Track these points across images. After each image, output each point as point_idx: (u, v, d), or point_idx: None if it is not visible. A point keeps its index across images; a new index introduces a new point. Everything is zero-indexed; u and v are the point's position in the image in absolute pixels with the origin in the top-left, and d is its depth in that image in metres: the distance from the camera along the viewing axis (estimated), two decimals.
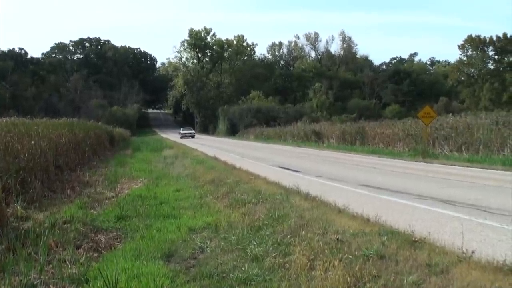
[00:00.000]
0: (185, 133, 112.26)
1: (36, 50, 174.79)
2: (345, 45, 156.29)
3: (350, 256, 8.73)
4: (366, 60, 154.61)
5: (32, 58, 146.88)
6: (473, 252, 8.64)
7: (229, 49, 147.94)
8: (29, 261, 9.77)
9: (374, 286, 7.36)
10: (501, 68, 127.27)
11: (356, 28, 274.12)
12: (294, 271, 8.55)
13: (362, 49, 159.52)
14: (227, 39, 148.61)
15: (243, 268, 8.93)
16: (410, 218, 12.22)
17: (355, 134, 51.78)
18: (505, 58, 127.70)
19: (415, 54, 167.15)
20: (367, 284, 7.45)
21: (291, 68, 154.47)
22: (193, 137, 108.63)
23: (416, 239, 9.76)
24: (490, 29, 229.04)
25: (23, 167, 17.65)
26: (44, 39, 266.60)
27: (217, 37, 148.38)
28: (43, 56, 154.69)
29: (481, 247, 9.08)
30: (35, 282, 8.62)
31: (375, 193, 18.11)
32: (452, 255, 8.56)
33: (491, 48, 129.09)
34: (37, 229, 12.24)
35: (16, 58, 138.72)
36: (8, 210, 13.07)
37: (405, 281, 7.45)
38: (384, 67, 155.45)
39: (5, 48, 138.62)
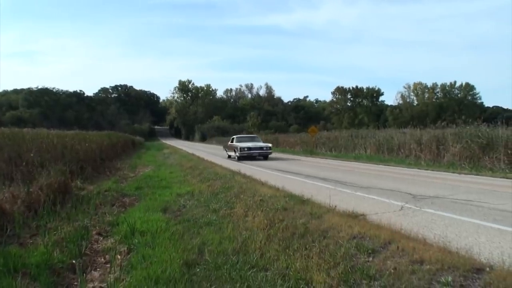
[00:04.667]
0: (249, 149, 28.88)
1: (89, 91, 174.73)
2: (268, 90, 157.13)
3: (268, 209, 8.80)
4: (279, 99, 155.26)
5: (87, 96, 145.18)
6: (335, 206, 8.79)
7: (202, 92, 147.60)
8: (84, 213, 9.79)
9: (280, 225, 7.43)
10: (354, 105, 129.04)
11: (275, 80, 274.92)
12: (236, 217, 8.60)
13: (277, 93, 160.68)
14: (200, 86, 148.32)
15: (207, 216, 8.96)
16: (301, 188, 12.30)
17: (273, 141, 52.26)
18: (356, 100, 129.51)
19: (307, 96, 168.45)
20: (277, 224, 7.52)
21: (237, 103, 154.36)
22: (265, 157, 29.03)
23: (304, 199, 9.88)
24: (349, 82, 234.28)
25: (81, 159, 17.64)
26: (95, 84, 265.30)
27: (194, 85, 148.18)
28: (93, 94, 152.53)
29: (340, 204, 9.20)
30: (87, 225, 8.63)
31: (282, 174, 18.20)
32: (324, 208, 8.69)
33: (349, 94, 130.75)
34: (89, 195, 12.34)
35: (78, 96, 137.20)
36: (72, 184, 12.99)
37: (297, 222, 7.54)
38: (289, 103, 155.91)
39: (71, 90, 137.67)
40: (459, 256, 5.35)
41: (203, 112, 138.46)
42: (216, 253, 6.26)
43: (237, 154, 28.75)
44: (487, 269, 4.88)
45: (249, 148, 28.65)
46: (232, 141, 31.79)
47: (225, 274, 5.42)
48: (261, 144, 30.12)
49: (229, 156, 31.45)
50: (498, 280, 4.46)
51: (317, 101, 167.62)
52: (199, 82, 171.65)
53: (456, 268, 4.88)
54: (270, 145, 30.18)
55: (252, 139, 32.05)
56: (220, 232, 7.57)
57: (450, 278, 4.64)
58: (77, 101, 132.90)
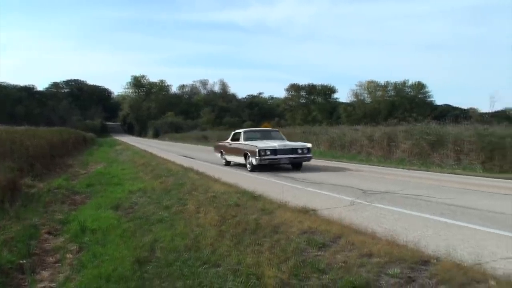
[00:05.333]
0: (275, 151, 17.32)
1: (40, 85, 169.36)
2: (222, 86, 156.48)
3: (220, 205, 8.84)
4: (234, 95, 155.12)
5: (38, 90, 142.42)
6: (287, 202, 8.91)
7: (155, 87, 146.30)
8: (33, 212, 9.62)
9: (232, 221, 7.47)
10: (307, 102, 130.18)
11: (230, 76, 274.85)
12: (188, 214, 8.58)
13: (232, 89, 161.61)
14: (154, 82, 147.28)
15: (159, 213, 8.92)
16: (254, 184, 12.38)
17: (226, 137, 52.21)
18: (310, 97, 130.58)
19: (262, 92, 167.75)
20: (229, 220, 7.55)
21: (191, 99, 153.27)
22: (299, 166, 18.34)
23: (257, 195, 9.96)
24: (304, 79, 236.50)
25: (31, 156, 17.23)
26: (46, 79, 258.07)
27: (148, 80, 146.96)
28: (45, 89, 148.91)
29: (292, 199, 9.33)
30: (37, 224, 8.52)
31: (235, 170, 18.26)
32: (276, 204, 8.78)
33: (303, 91, 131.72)
34: (39, 193, 12.09)
35: (28, 91, 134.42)
36: (21, 181, 12.71)
37: (249, 218, 7.59)
38: (244, 99, 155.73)
39: (22, 84, 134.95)
40: (407, 249, 5.54)
41: (157, 108, 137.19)
42: (168, 250, 6.26)
43: (253, 160, 17.46)
44: (434, 261, 5.08)
45: (275, 151, 17.37)
46: (236, 139, 20.58)
47: (177, 270, 5.43)
48: (293, 143, 18.68)
49: (228, 163, 21.22)
50: (444, 271, 4.64)
51: (271, 97, 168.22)
52: (153, 78, 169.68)
53: (404, 261, 5.06)
54: (309, 145, 18.28)
55: (269, 135, 20.75)
56: (172, 229, 7.55)
57: (398, 270, 4.81)
58: (27, 96, 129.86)
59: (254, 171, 17.51)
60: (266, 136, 20.37)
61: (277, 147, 17.40)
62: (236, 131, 21.67)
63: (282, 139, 20.02)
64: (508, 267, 4.95)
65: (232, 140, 20.97)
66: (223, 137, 51.67)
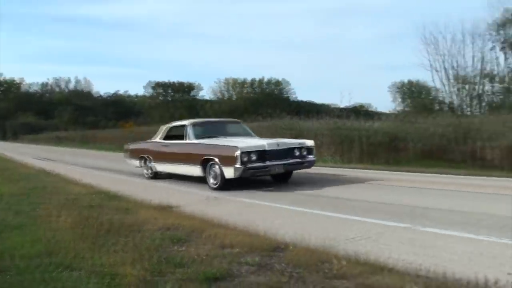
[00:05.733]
0: (262, 156, 10.64)
1: None
2: (85, 84, 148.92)
3: (81, 207, 8.69)
4: (97, 94, 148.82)
5: None
6: (149, 200, 9.04)
7: (12, 85, 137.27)
8: None
9: (94, 223, 7.29)
10: (172, 99, 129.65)
11: (94, 74, 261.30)
12: (47, 218, 8.20)
13: (96, 87, 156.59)
14: (9, 79, 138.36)
15: (16, 219, 8.34)
16: (116, 184, 12.39)
17: (81, 136, 51.20)
18: (175, 94, 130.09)
19: (127, 90, 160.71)
20: (90, 222, 7.35)
21: (52, 98, 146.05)
22: (286, 176, 12.24)
23: (119, 195, 10.11)
24: (169, 76, 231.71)
25: None
26: None
27: (5, 78, 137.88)
28: None
29: (155, 197, 9.43)
30: None
31: (98, 172, 18.09)
32: (139, 203, 9.00)
33: (165, 88, 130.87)
34: None
35: None
36: None
37: (112, 218, 7.56)
38: (108, 97, 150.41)
39: None
40: (266, 238, 5.96)
41: (13, 107, 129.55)
42: (27, 257, 6.00)
43: (226, 171, 10.72)
44: (290, 247, 5.51)
45: (263, 154, 10.87)
46: (177, 136, 13.37)
47: (38, 277, 5.26)
48: (288, 141, 12.39)
49: (155, 175, 14.45)
50: (298, 256, 5.08)
51: (136, 95, 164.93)
52: (9, 75, 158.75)
53: (263, 249, 5.43)
54: (311, 142, 12.12)
55: (227, 129, 13.67)
56: (30, 234, 7.25)
57: (257, 259, 5.13)
58: None
59: (223, 190, 11.00)
60: (225, 130, 13.47)
61: (267, 148, 11.02)
62: (175, 124, 14.27)
63: (250, 134, 13.68)
64: (353, 248, 5.50)
65: (167, 138, 13.93)
66: (89, 136, 50.40)
